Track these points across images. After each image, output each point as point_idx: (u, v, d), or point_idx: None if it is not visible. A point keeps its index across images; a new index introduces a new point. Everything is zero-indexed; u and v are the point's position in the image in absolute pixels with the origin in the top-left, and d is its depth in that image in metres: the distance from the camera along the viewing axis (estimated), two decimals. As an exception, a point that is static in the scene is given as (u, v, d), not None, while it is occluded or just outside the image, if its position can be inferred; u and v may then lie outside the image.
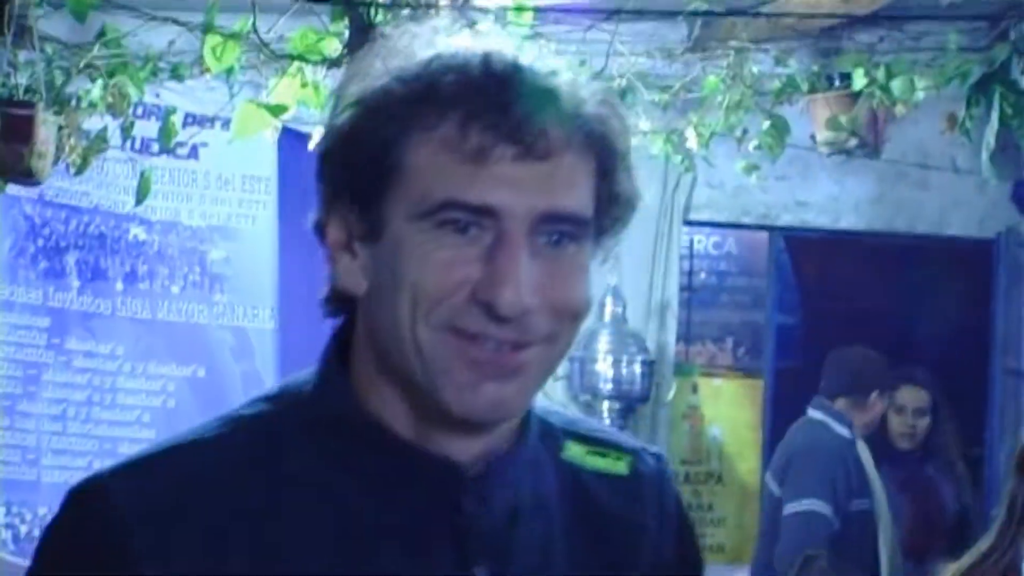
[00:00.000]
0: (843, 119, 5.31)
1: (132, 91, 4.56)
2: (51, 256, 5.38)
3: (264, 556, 1.25)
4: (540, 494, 1.35)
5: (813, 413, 5.40)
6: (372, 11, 3.90)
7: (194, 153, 5.62)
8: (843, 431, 5.32)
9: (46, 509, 5.30)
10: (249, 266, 5.74)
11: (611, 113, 1.29)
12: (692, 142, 5.27)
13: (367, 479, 1.28)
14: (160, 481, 1.28)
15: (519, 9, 4.09)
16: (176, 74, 4.63)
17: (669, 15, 5.05)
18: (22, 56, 4.38)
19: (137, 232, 5.56)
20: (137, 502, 1.25)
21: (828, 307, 7.17)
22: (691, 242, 6.89)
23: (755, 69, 5.20)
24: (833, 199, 6.26)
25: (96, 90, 4.51)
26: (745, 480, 6.68)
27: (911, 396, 5.73)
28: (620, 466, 1.43)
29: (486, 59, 1.25)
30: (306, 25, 4.12)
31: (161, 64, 4.62)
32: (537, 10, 4.16)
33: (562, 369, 5.43)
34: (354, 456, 1.29)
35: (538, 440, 1.37)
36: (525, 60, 1.27)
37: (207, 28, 4.16)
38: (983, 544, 3.26)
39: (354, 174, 1.27)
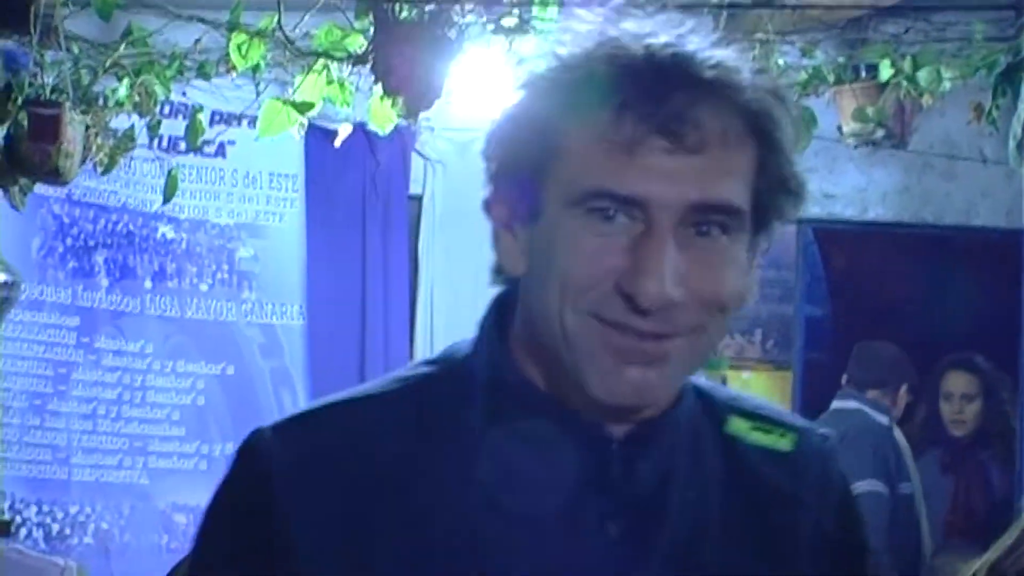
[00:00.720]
0: (870, 110, 5.28)
1: (159, 90, 4.57)
2: (80, 255, 5.39)
3: (418, 505, 1.29)
4: (696, 464, 1.36)
5: (846, 403, 5.41)
6: (397, 7, 3.89)
7: (221, 151, 5.63)
8: (882, 419, 5.36)
9: (77, 508, 5.32)
10: (277, 263, 5.74)
11: (775, 104, 1.27)
12: (719, 135, 5.25)
13: (520, 437, 1.30)
14: (322, 435, 1.31)
15: (544, 4, 4.08)
16: (202, 72, 4.63)
17: (694, 7, 5.04)
18: (48, 56, 4.39)
19: (165, 230, 5.57)
20: (291, 460, 1.29)
21: (857, 299, 7.14)
22: (718, 235, 6.86)
23: (781, 61, 5.17)
24: (860, 191, 6.24)
25: (123, 89, 4.52)
26: (776, 472, 6.66)
27: (958, 382, 5.70)
28: (784, 443, 1.42)
29: (648, 49, 1.24)
30: (331, 22, 4.12)
31: (187, 62, 4.61)
32: (561, 4, 4.15)
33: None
34: (511, 415, 1.31)
35: (699, 413, 1.37)
36: (690, 49, 1.25)
37: (232, 26, 4.17)
38: (1007, 539, 3.22)
39: (516, 156, 1.29)
